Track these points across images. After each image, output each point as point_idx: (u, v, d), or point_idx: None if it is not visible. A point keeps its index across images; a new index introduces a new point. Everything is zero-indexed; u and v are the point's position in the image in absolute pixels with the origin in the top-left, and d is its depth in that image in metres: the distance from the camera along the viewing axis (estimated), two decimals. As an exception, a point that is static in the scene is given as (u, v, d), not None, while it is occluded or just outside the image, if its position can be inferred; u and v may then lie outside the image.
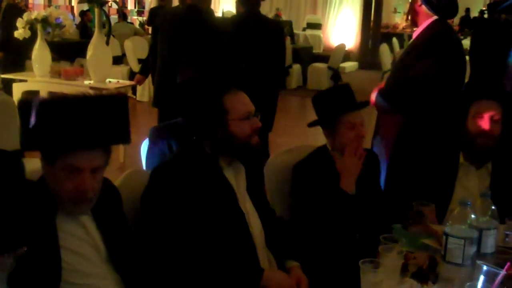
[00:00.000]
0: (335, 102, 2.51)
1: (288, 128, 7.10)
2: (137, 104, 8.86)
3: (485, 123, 2.47)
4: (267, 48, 4.45)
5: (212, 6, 11.32)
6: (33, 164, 1.81)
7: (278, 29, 4.83)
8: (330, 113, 2.50)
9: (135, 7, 17.99)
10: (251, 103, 2.15)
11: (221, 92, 2.09)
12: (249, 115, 2.12)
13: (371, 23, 14.61)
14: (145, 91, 8.91)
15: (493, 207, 2.03)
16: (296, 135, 6.57)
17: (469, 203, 1.95)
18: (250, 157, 2.18)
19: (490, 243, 2.00)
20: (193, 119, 2.17)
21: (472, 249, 1.92)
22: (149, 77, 5.17)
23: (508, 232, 2.15)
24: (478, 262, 1.90)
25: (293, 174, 2.55)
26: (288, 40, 10.96)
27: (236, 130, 2.09)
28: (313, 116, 2.61)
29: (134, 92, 9.08)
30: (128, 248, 1.85)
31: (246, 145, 2.11)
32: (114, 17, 12.46)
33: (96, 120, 1.70)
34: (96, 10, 4.96)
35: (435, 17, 3.16)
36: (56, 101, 1.70)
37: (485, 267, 1.77)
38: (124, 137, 1.79)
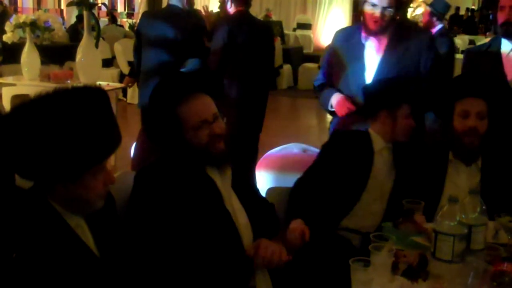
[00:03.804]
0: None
1: (279, 128, 7.11)
2: (127, 107, 8.84)
3: (471, 122, 2.48)
4: (258, 50, 4.46)
5: (200, 7, 11.35)
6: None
7: (268, 30, 4.85)
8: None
9: (125, 10, 17.94)
10: (207, 110, 2.09)
11: (175, 103, 2.06)
12: (203, 123, 2.07)
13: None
14: (135, 93, 8.87)
15: (482, 204, 2.04)
16: (288, 135, 6.57)
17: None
18: (213, 164, 2.12)
19: (479, 240, 2.00)
20: (152, 130, 2.16)
21: (462, 246, 1.93)
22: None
23: (497, 229, 2.16)
24: (468, 258, 1.92)
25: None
26: (278, 40, 10.98)
27: (192, 139, 2.06)
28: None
29: (125, 95, 9.07)
30: (121, 251, 1.84)
31: (205, 153, 2.07)
32: (104, 20, 12.43)
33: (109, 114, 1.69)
34: (84, 13, 4.93)
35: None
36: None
37: (474, 264, 1.79)
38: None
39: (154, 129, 2.13)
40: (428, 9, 5.50)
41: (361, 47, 3.09)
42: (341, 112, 3.05)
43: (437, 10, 5.46)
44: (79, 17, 11.02)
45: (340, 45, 3.22)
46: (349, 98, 3.05)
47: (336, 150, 2.67)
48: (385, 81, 2.82)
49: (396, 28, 3.03)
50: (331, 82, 3.21)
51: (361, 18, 3.09)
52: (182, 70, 3.18)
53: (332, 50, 3.26)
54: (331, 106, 3.11)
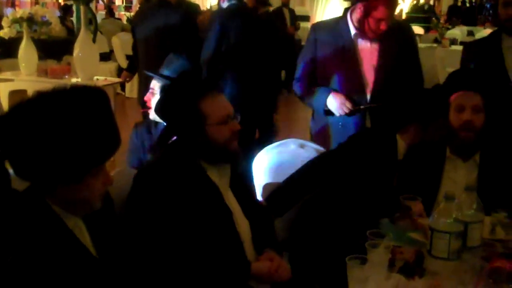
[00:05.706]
0: None
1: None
2: (126, 101, 8.83)
3: (466, 116, 2.47)
4: (256, 47, 4.36)
5: (199, 1, 11.27)
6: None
7: (269, 24, 4.77)
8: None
9: (122, 3, 17.86)
10: (229, 106, 2.13)
11: (197, 98, 2.07)
12: (227, 118, 2.10)
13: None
14: (134, 87, 8.86)
15: (478, 200, 2.04)
16: (284, 130, 6.53)
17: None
18: (229, 162, 2.16)
19: (475, 237, 2.01)
20: (171, 125, 2.15)
21: (458, 243, 1.93)
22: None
23: (494, 224, 2.16)
24: (464, 256, 1.92)
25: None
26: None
27: (215, 135, 2.07)
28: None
29: (123, 89, 9.06)
30: (119, 251, 1.84)
31: (224, 150, 2.10)
32: (102, 13, 12.38)
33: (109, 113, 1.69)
34: (81, 7, 4.92)
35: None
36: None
37: (471, 261, 1.79)
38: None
39: (174, 122, 2.13)
40: None
41: (351, 42, 3.07)
42: (341, 111, 3.05)
43: None
44: (65, 8, 10.83)
45: (325, 39, 3.16)
46: (348, 98, 3.04)
47: (366, 150, 2.61)
48: (420, 94, 2.78)
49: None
50: (315, 79, 3.18)
51: (356, 21, 3.03)
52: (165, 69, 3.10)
53: (316, 45, 3.19)
54: (326, 106, 3.10)
